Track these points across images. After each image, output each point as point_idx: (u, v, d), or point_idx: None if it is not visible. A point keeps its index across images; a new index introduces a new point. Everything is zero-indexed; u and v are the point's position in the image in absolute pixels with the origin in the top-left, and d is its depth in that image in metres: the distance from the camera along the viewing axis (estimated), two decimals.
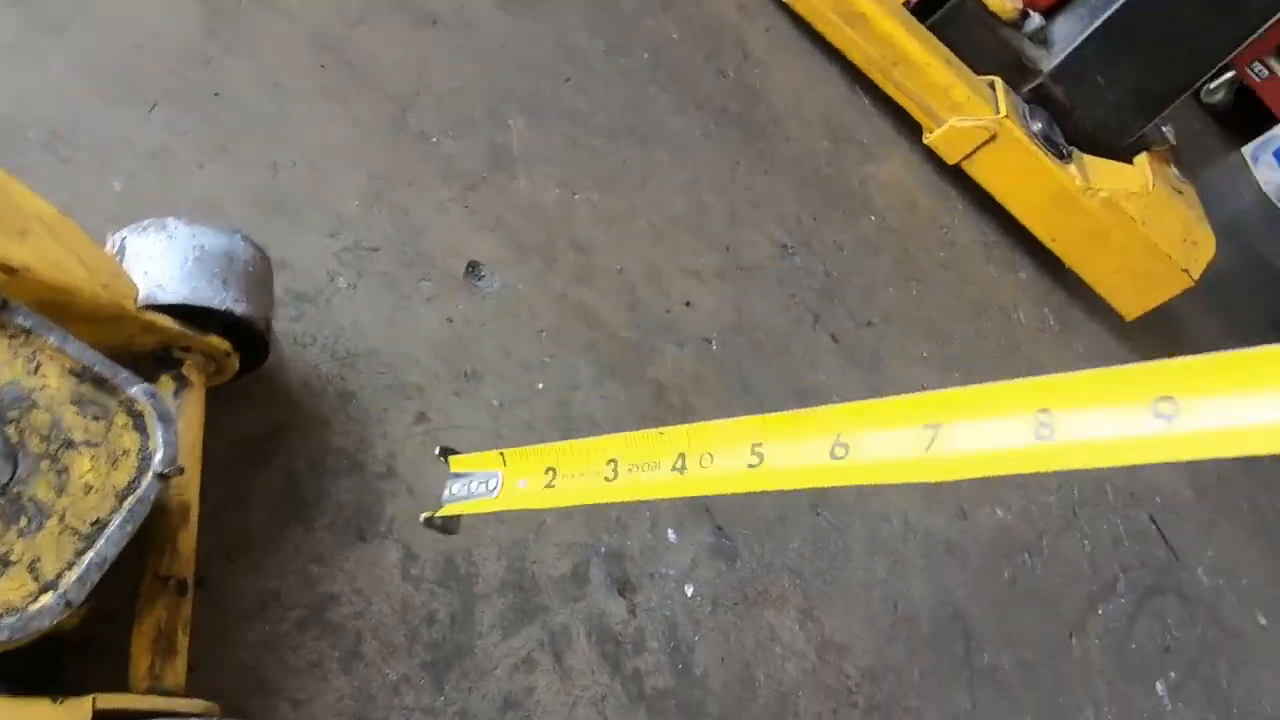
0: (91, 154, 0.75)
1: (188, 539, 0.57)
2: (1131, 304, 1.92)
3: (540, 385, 0.88)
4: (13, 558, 0.44)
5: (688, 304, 1.08)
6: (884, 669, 1.00)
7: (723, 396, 1.04)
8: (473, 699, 0.69)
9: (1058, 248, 1.84)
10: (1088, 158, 1.84)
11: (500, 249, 0.94)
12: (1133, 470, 1.73)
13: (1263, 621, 1.80)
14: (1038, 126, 1.76)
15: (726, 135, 1.34)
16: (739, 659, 0.87)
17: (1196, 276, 1.84)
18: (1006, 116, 1.71)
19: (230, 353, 0.60)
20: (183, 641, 0.55)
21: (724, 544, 0.93)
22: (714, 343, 1.08)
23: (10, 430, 0.46)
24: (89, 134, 0.75)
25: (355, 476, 0.72)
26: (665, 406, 0.97)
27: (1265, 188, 3.36)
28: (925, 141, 1.76)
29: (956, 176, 1.78)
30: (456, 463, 0.62)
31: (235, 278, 0.60)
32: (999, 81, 1.80)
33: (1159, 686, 1.38)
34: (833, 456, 0.49)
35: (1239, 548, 1.90)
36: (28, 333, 0.49)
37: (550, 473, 0.61)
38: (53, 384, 0.49)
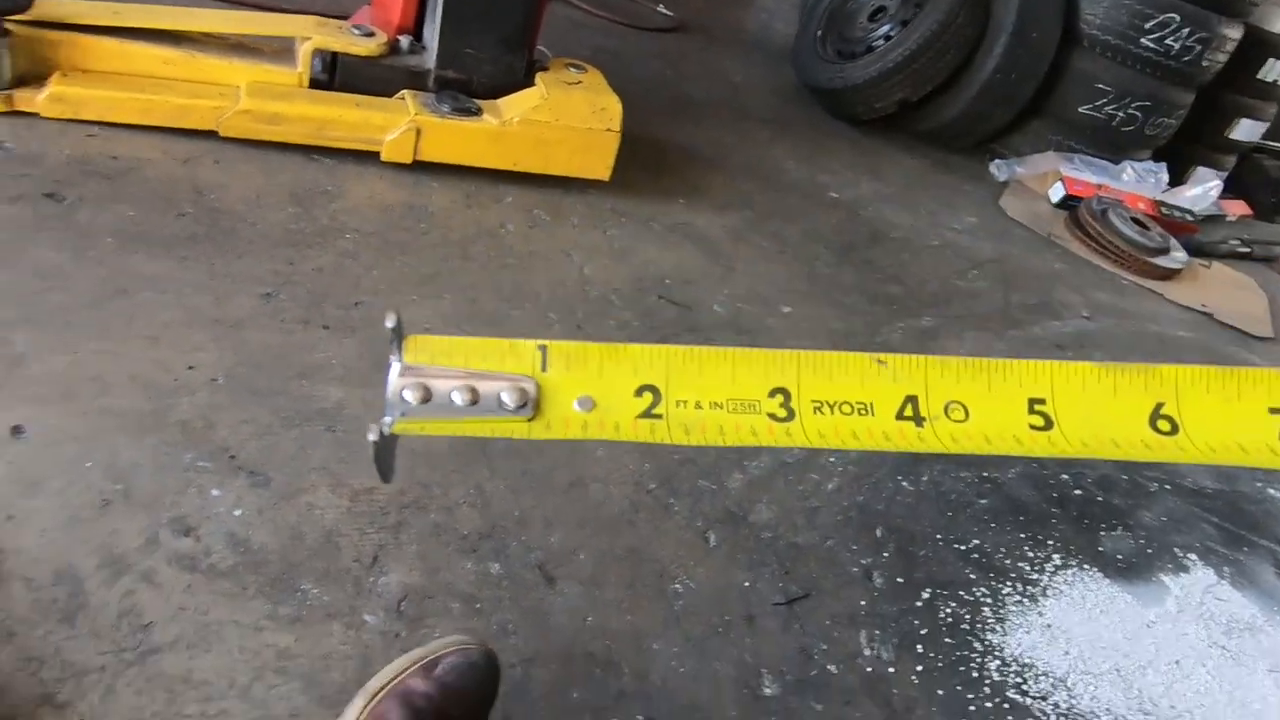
0: None
1: None
2: (599, 169, 2.58)
3: (88, 464, 1.44)
4: None
5: (190, 368, 1.65)
6: (409, 486, 1.59)
7: (236, 406, 1.61)
8: (96, 622, 1.24)
9: (522, 168, 2.49)
10: (497, 101, 2.50)
11: (31, 410, 1.48)
12: (640, 268, 2.39)
13: (786, 309, 2.49)
14: (446, 106, 2.40)
15: (199, 253, 1.92)
16: (288, 528, 1.45)
17: (618, 128, 2.51)
18: (417, 114, 2.35)
19: None
20: None
21: (257, 477, 1.51)
22: (219, 379, 1.65)
23: None
24: None
25: None
26: (190, 432, 1.54)
27: None
28: (383, 159, 2.38)
29: (424, 169, 2.41)
30: (417, 346, 0.48)
31: None
32: (407, 93, 2.43)
33: None
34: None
35: (757, 275, 2.58)
36: None
37: (650, 395, 0.46)
38: None
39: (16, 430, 1.46)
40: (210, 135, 2.24)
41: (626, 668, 1.45)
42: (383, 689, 1.17)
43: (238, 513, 1.46)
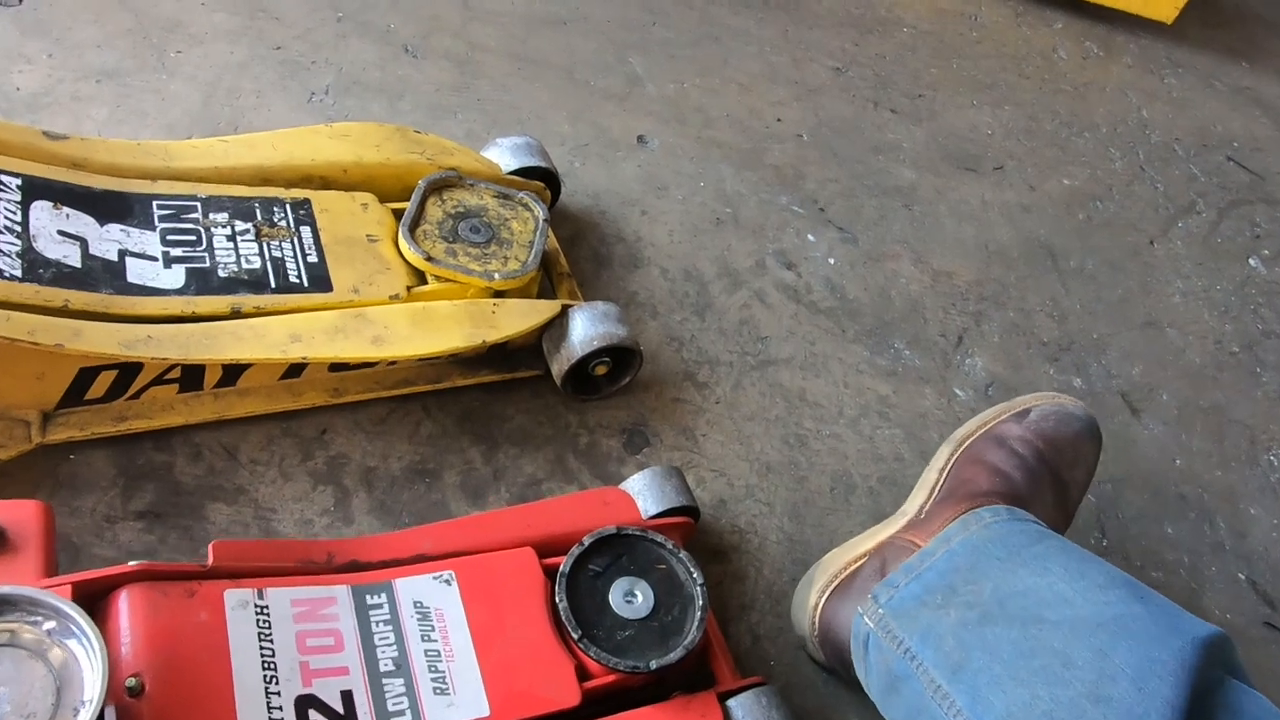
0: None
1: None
2: (1163, 9, 2.26)
3: (701, 184, 1.48)
4: (507, 254, 1.09)
5: (778, 120, 1.64)
6: (985, 279, 1.50)
7: (821, 164, 1.59)
8: (722, 321, 1.29)
9: None
10: None
11: (652, 124, 1.55)
12: (1204, 124, 2.09)
13: None
14: None
15: (773, 16, 1.90)
16: (876, 287, 1.42)
17: None
18: None
19: (545, 189, 1.25)
20: None
21: (845, 234, 1.48)
22: (804, 135, 1.64)
23: (489, 220, 1.11)
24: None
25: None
26: (784, 177, 1.54)
27: None
28: None
29: None
30: None
31: (539, 153, 1.25)
32: None
33: (1252, 261, 1.76)
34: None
35: None
36: (472, 186, 1.15)
37: None
38: (490, 201, 1.15)
39: (641, 139, 1.53)
40: None
41: (1222, 522, 1.29)
42: (972, 435, 1.08)
43: (831, 261, 1.44)
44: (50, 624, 0.63)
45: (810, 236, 1.47)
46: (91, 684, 0.60)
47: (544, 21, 1.68)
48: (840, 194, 1.56)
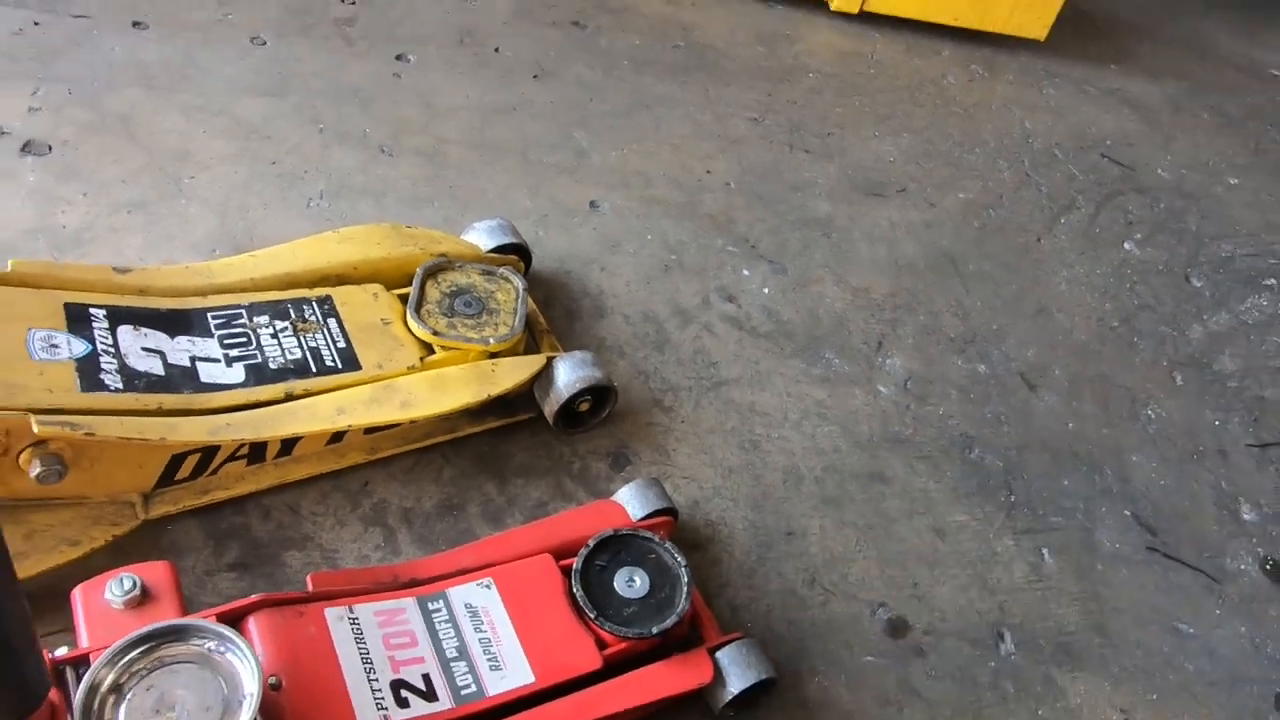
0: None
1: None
2: (1036, 28, 2.57)
3: (649, 237, 1.74)
4: (497, 321, 1.33)
5: (708, 172, 1.91)
6: (898, 290, 1.77)
7: (748, 207, 1.86)
8: (679, 353, 1.54)
9: (959, 23, 2.53)
10: None
11: (600, 191, 1.80)
12: (1080, 127, 2.39)
13: (1233, 181, 2.39)
14: None
15: (694, 79, 2.17)
16: (806, 309, 1.68)
17: None
18: None
19: (519, 261, 1.49)
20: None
21: (775, 265, 1.75)
22: (731, 183, 1.90)
23: (478, 295, 1.36)
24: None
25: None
26: (718, 222, 1.80)
27: None
28: (832, 8, 2.51)
29: (866, 20, 2.52)
30: None
31: (510, 231, 1.50)
32: None
33: (1126, 245, 2.05)
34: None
35: (1200, 145, 2.49)
36: (460, 267, 1.40)
37: None
38: (476, 278, 1.39)
39: (593, 205, 1.78)
40: None
41: (1109, 471, 1.56)
42: None
43: (765, 290, 1.70)
44: (211, 643, 0.85)
45: (745, 271, 1.73)
46: (249, 682, 0.83)
47: (496, 110, 1.93)
48: (767, 231, 1.82)
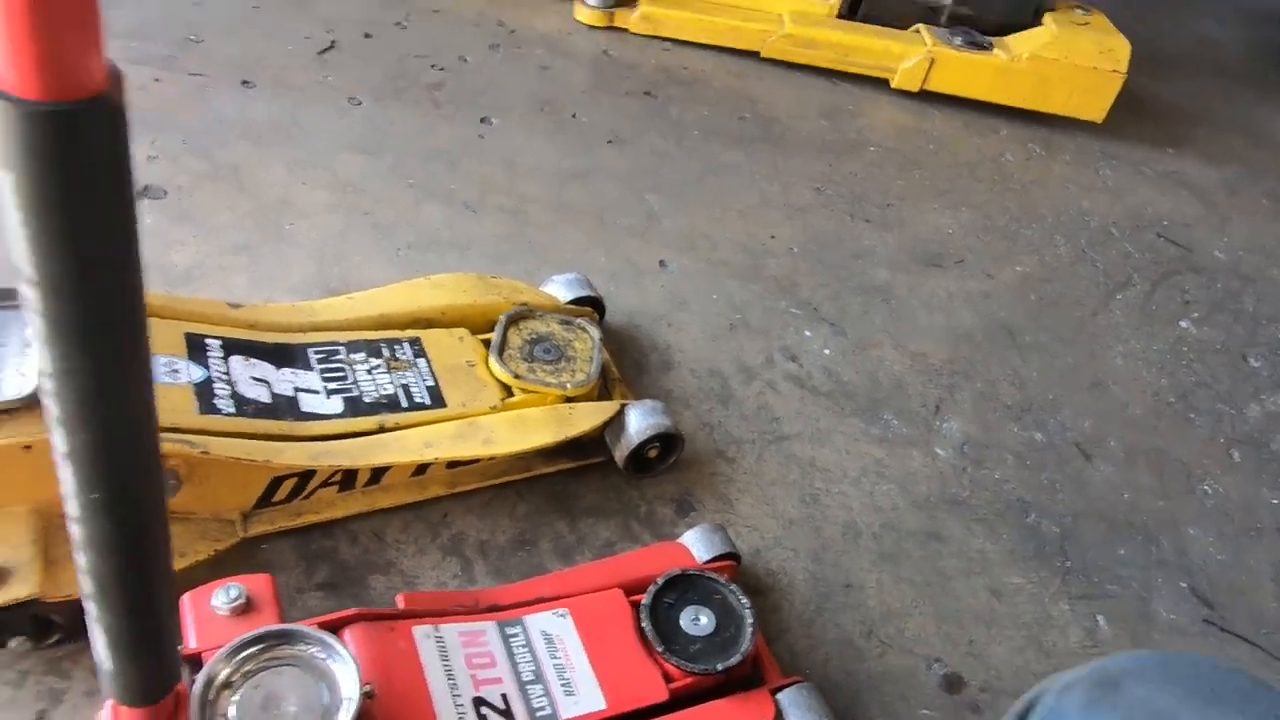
0: None
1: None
2: (1094, 111, 2.64)
3: (714, 297, 1.81)
4: (574, 368, 1.41)
5: (772, 238, 1.99)
6: (955, 357, 1.82)
7: (810, 272, 1.93)
8: (742, 408, 1.60)
9: (1018, 103, 2.62)
10: (1006, 38, 2.63)
11: (669, 252, 1.89)
12: (1136, 208, 2.44)
13: None
14: (959, 39, 2.58)
15: (760, 150, 2.27)
16: (865, 371, 1.74)
17: (1124, 70, 2.56)
18: (933, 45, 2.55)
19: (594, 313, 1.58)
20: None
21: (836, 328, 1.81)
22: (795, 249, 1.98)
23: (556, 343, 1.44)
24: None
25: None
26: (781, 285, 1.88)
27: None
28: (893, 86, 2.61)
29: (926, 98, 2.61)
30: None
31: (586, 285, 1.58)
32: (922, 27, 2.64)
33: (1183, 323, 2.08)
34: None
35: (1257, 228, 2.52)
36: (541, 316, 1.48)
37: None
38: (555, 327, 1.48)
39: (662, 264, 1.87)
40: (751, 55, 2.59)
41: (1166, 543, 1.58)
42: None
43: (826, 351, 1.76)
44: (315, 649, 0.92)
45: (807, 332, 1.79)
46: (349, 686, 0.89)
47: (573, 174, 2.04)
48: (829, 296, 1.89)
